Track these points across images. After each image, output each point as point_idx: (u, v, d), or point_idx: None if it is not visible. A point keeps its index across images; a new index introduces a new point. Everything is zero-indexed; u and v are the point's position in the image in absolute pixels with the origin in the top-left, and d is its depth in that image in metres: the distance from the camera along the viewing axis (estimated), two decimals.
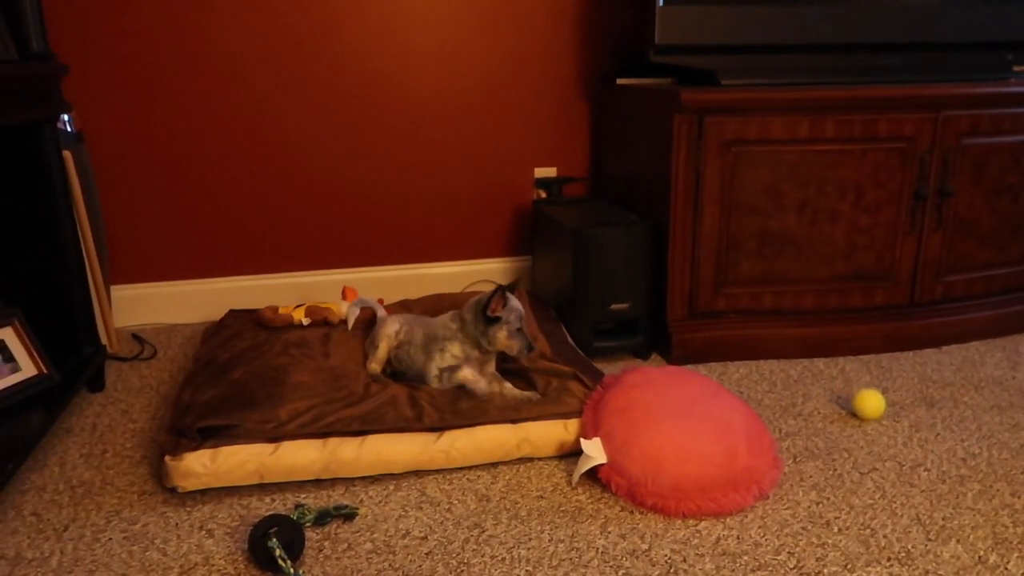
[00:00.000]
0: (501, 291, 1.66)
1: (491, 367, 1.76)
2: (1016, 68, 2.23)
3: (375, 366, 1.78)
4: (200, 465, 1.39)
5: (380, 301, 2.11)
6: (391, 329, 1.82)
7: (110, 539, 1.33)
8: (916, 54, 2.11)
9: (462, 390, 1.68)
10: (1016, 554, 1.27)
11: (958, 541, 1.31)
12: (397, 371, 1.80)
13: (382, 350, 1.80)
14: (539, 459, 1.58)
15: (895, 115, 1.95)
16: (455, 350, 1.70)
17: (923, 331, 2.11)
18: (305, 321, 1.97)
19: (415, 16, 2.30)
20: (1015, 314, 2.20)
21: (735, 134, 1.91)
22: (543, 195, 2.50)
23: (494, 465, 1.56)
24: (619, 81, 2.24)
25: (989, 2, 2.09)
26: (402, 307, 2.16)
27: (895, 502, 1.42)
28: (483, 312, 1.67)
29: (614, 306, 2.01)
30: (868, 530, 1.34)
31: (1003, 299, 2.19)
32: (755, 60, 2.04)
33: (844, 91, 1.92)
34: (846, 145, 1.95)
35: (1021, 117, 2.04)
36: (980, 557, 1.27)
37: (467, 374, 1.68)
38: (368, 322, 2.05)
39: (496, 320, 1.67)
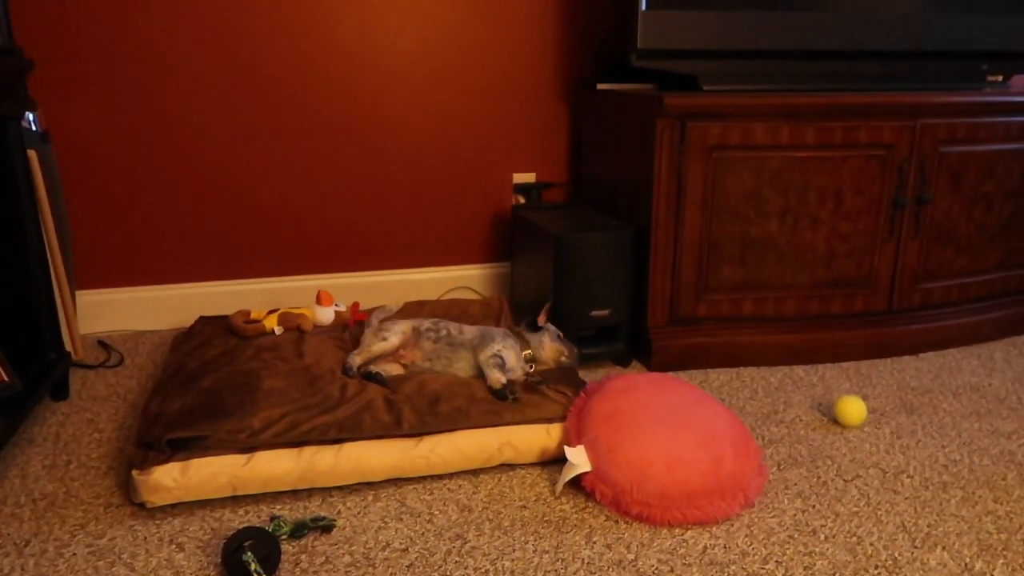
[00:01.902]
0: (550, 302, 1.84)
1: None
2: (990, 78, 2.26)
3: (358, 359, 1.74)
4: (170, 479, 1.34)
5: (356, 305, 2.07)
6: (405, 326, 1.80)
7: (74, 554, 1.27)
8: (895, 62, 2.13)
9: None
10: (1001, 561, 1.27)
11: (944, 548, 1.30)
12: (418, 364, 1.78)
13: (384, 345, 1.75)
14: (521, 467, 1.55)
15: (874, 122, 1.95)
16: (511, 356, 1.73)
17: (901, 338, 2.11)
18: (278, 330, 1.91)
19: (392, 19, 2.26)
20: (991, 321, 2.22)
21: (717, 139, 1.90)
22: (522, 200, 2.48)
23: (475, 473, 1.52)
24: (600, 86, 2.23)
25: (965, 12, 2.11)
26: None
27: (880, 509, 1.41)
28: (532, 323, 1.82)
29: (595, 312, 1.99)
30: (854, 538, 1.32)
31: (979, 306, 2.21)
32: (737, 66, 2.04)
33: (825, 98, 1.93)
34: (826, 152, 1.95)
35: (996, 126, 2.07)
36: (966, 564, 1.26)
37: (500, 377, 1.66)
38: (344, 326, 2.01)
39: (540, 329, 1.80)
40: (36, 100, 2.01)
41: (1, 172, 1.70)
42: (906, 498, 1.44)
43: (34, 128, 1.98)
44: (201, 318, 2.07)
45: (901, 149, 1.99)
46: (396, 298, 2.40)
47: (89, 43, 2.08)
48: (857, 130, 1.95)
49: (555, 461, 1.54)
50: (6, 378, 1.62)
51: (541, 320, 1.80)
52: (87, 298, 2.24)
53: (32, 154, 1.85)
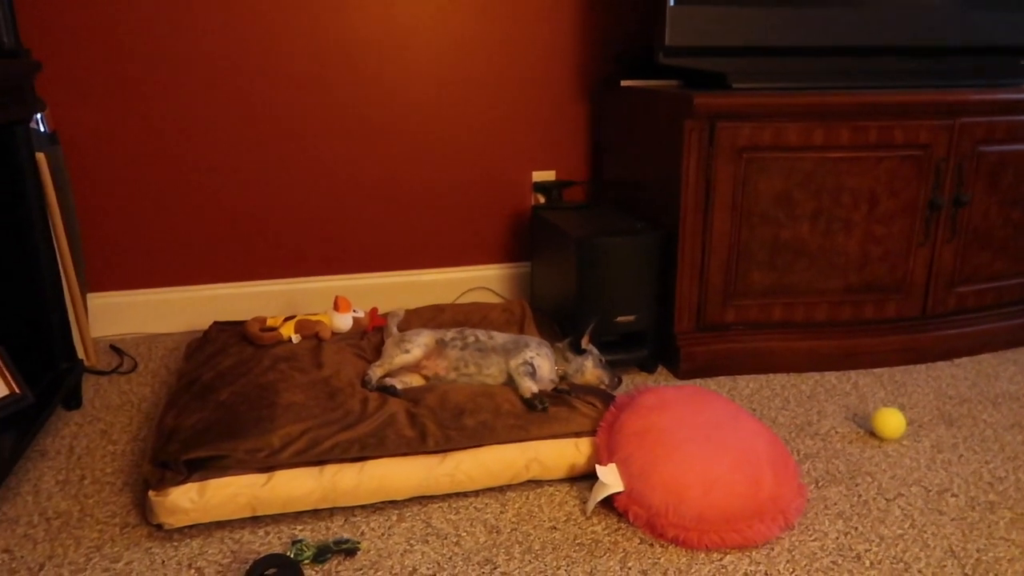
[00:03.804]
0: (596, 322, 1.75)
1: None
2: None
3: (379, 371, 1.68)
4: (187, 500, 1.29)
5: (374, 311, 2.02)
6: (428, 338, 1.74)
7: None
8: (932, 59, 2.05)
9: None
10: None
11: None
12: (441, 376, 1.73)
13: (407, 358, 1.70)
14: (549, 483, 1.49)
15: (911, 122, 1.88)
16: (544, 366, 1.68)
17: (936, 344, 2.05)
18: (295, 338, 1.86)
19: (410, 15, 2.20)
20: None
21: (748, 140, 1.83)
22: (542, 199, 2.41)
23: (502, 491, 1.47)
24: (624, 83, 2.16)
25: (1004, 6, 2.03)
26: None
27: (926, 532, 1.35)
28: (576, 344, 1.73)
29: (620, 318, 1.93)
30: (901, 564, 1.27)
31: (1015, 310, 2.14)
32: (768, 63, 1.97)
33: (860, 96, 1.85)
34: (861, 152, 1.88)
35: None
36: None
37: (532, 386, 1.61)
38: (362, 333, 1.96)
39: (584, 352, 1.73)
40: (44, 100, 1.96)
41: (9, 176, 1.65)
42: (952, 519, 1.39)
43: (42, 129, 1.93)
44: (216, 324, 2.02)
45: (938, 149, 1.92)
46: (413, 299, 2.35)
47: (97, 42, 2.02)
48: (893, 130, 1.88)
49: (584, 477, 1.49)
50: (17, 390, 1.57)
51: (585, 342, 1.72)
52: (98, 301, 2.19)
53: (41, 156, 1.80)
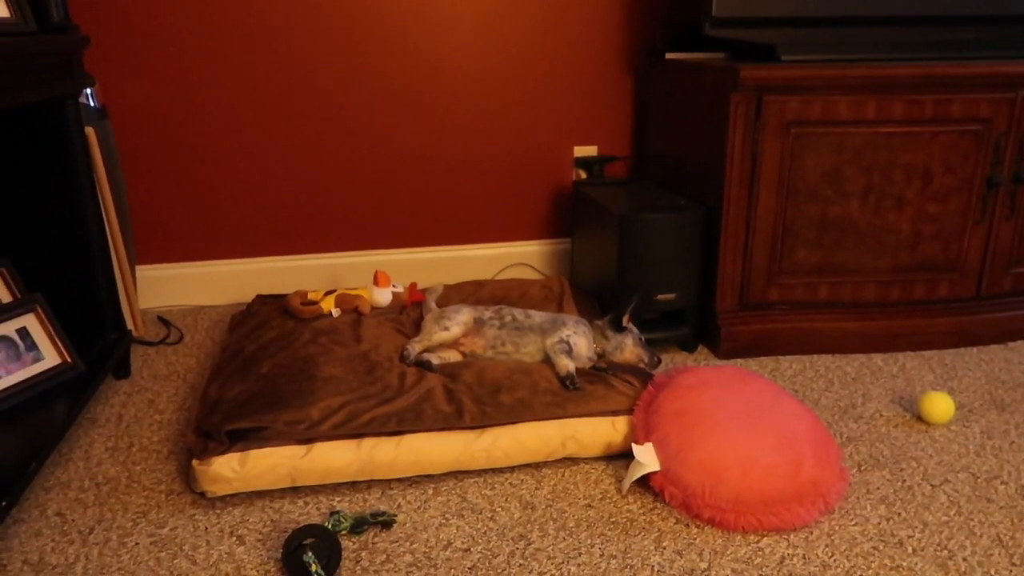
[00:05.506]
0: (637, 299, 1.72)
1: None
2: None
3: (418, 347, 1.69)
4: (229, 470, 1.32)
5: (413, 286, 2.03)
6: (467, 316, 1.74)
7: (137, 544, 1.26)
8: (991, 28, 1.96)
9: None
10: None
11: None
12: (478, 353, 1.73)
13: (446, 336, 1.70)
14: (584, 461, 1.49)
15: (970, 95, 1.80)
16: (582, 343, 1.67)
17: (989, 326, 1.98)
18: (335, 312, 1.88)
19: None
20: None
21: (796, 114, 1.78)
22: (583, 175, 2.39)
23: (537, 467, 1.47)
24: (668, 55, 2.11)
25: None
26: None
27: (972, 520, 1.31)
28: (616, 321, 1.70)
29: (660, 296, 1.91)
30: (945, 551, 1.24)
31: None
32: (819, 34, 1.91)
33: (915, 68, 1.78)
34: (916, 127, 1.81)
35: None
36: None
37: (568, 364, 1.60)
38: (401, 308, 1.97)
39: (624, 330, 1.70)
40: (93, 75, 1.99)
41: (59, 151, 1.68)
42: (1001, 507, 1.34)
43: (92, 103, 1.96)
44: (259, 297, 2.05)
45: (999, 123, 1.84)
46: (452, 275, 2.35)
47: (145, 16, 2.04)
48: (950, 103, 1.80)
49: (621, 456, 1.48)
50: (69, 359, 1.62)
51: (625, 320, 1.70)
52: (146, 273, 2.24)
53: (90, 131, 1.83)
